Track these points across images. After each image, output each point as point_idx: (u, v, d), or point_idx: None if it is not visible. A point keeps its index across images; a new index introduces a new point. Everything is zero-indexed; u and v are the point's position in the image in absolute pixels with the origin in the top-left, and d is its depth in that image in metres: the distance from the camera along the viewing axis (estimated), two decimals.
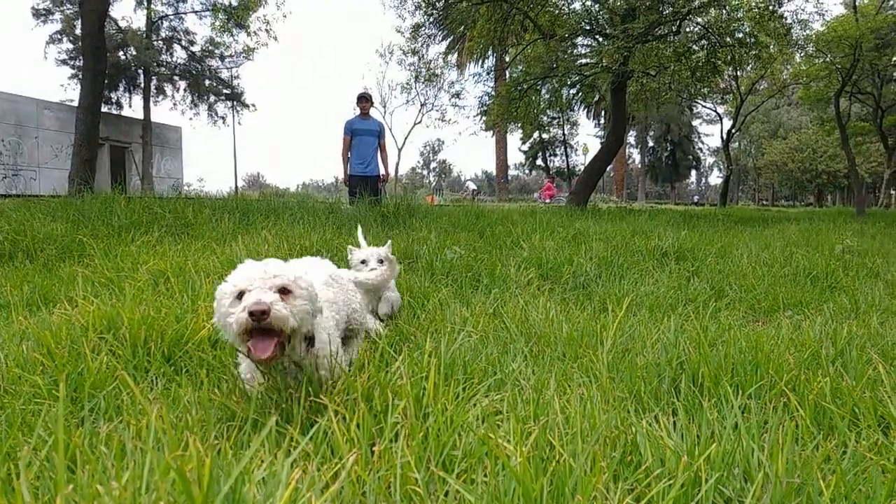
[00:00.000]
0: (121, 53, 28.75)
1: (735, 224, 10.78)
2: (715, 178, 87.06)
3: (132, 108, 30.43)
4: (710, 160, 77.53)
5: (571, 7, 15.37)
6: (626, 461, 1.53)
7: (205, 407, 1.87)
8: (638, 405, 2.06)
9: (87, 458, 1.53)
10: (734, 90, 26.93)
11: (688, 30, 15.01)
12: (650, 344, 2.68)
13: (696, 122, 58.64)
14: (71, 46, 28.27)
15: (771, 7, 13.41)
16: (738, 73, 24.61)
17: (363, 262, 3.17)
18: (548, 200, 28.97)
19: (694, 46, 14.83)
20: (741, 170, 61.39)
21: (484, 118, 19.33)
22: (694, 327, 2.85)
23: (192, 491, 1.09)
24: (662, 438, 1.61)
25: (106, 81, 18.59)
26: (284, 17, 42.01)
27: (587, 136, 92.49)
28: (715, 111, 34.46)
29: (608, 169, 26.27)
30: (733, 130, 29.64)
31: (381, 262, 3.14)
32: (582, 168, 27.24)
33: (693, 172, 71.97)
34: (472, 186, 38.53)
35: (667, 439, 1.61)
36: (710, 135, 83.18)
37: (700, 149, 63.47)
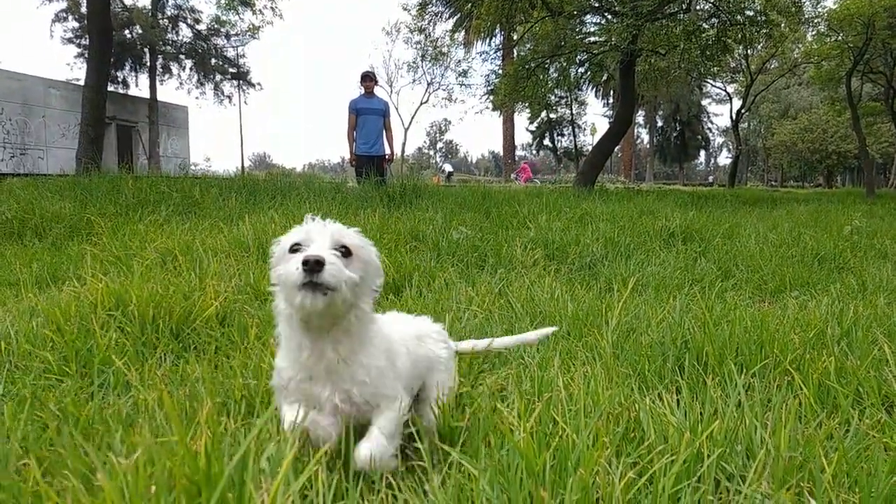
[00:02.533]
0: (126, 32, 28.64)
1: (743, 205, 10.73)
2: (724, 159, 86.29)
3: (138, 87, 30.47)
4: (720, 140, 76.82)
5: None
6: (629, 437, 1.55)
7: (210, 384, 1.89)
8: (642, 383, 2.07)
9: (93, 433, 1.56)
10: (744, 69, 26.62)
11: (698, 7, 14.80)
12: (655, 323, 2.68)
13: (705, 102, 58.02)
14: (76, 25, 28.17)
15: None
16: (749, 52, 24.29)
17: (295, 248, 1.36)
18: (524, 183, 28.52)
19: (704, 24, 14.63)
20: (750, 150, 60.88)
21: (491, 97, 19.17)
22: (699, 307, 2.85)
23: (199, 464, 1.11)
24: (665, 415, 1.63)
25: (112, 60, 18.53)
26: None
27: (595, 116, 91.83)
28: (724, 91, 34.08)
29: (616, 149, 26.12)
30: (743, 110, 29.31)
31: (342, 251, 1.35)
32: (590, 148, 27.07)
33: (702, 153, 71.42)
34: (448, 169, 38.22)
35: (670, 416, 1.63)
36: (720, 115, 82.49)
37: (709, 129, 62.85)
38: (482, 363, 2.21)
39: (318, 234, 1.35)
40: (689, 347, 2.30)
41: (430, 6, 16.81)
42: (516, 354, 2.29)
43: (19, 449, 1.43)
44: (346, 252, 1.35)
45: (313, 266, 1.25)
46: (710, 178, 58.97)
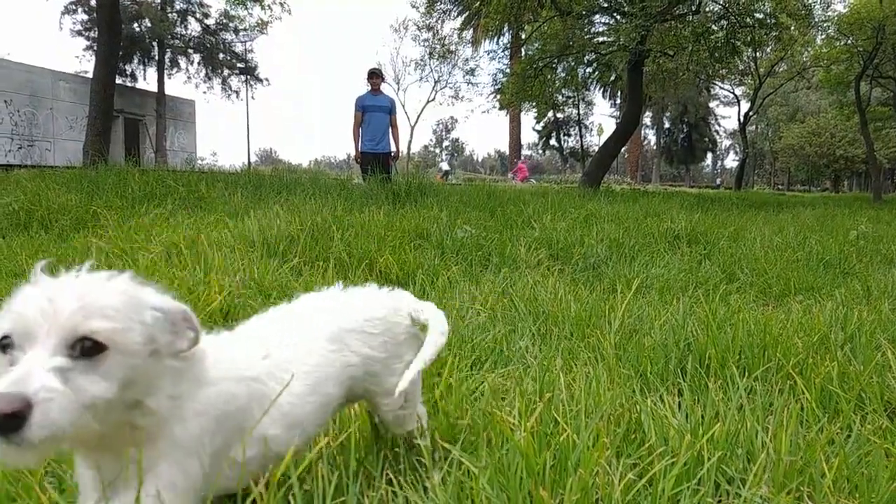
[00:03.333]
0: (135, 25, 28.71)
1: (749, 208, 10.70)
2: (731, 162, 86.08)
3: (146, 80, 30.51)
4: (727, 143, 76.56)
5: None
6: (630, 438, 1.55)
7: None
8: (643, 385, 2.07)
9: None
10: (753, 72, 26.54)
11: (707, 9, 14.76)
12: (658, 325, 2.68)
13: (713, 104, 57.84)
14: (86, 17, 28.26)
15: None
16: (758, 55, 24.23)
17: (3, 343, 0.84)
18: (521, 181, 28.45)
19: (713, 26, 14.59)
20: (757, 153, 60.69)
21: (498, 96, 19.16)
22: (703, 310, 2.85)
23: None
24: (667, 417, 1.63)
25: (120, 53, 18.58)
26: None
27: (602, 117, 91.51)
28: (733, 93, 34.02)
29: (623, 150, 26.08)
30: (751, 113, 29.25)
31: (88, 347, 0.83)
32: (596, 148, 27.04)
33: (709, 155, 71.19)
34: (445, 167, 38.10)
35: (671, 418, 1.63)
36: (728, 117, 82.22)
37: (716, 131, 62.63)
38: (484, 362, 2.21)
39: (40, 326, 0.81)
40: (692, 350, 2.30)
41: (438, 4, 16.82)
42: (518, 354, 2.30)
43: None
44: (94, 347, 0.83)
45: (4, 422, 0.73)
46: (718, 181, 58.90)
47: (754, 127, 54.80)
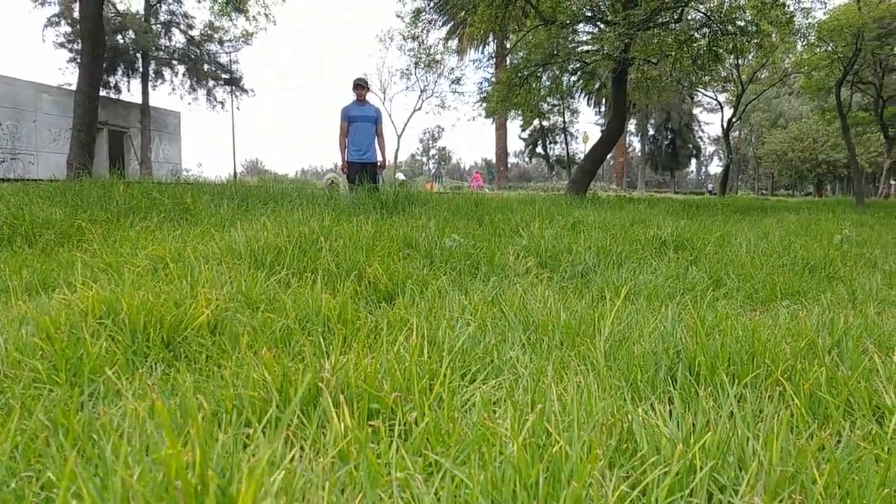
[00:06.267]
0: (119, 37, 28.60)
1: (734, 213, 10.78)
2: (715, 167, 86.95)
3: (131, 92, 30.39)
4: (711, 149, 77.36)
5: None
6: (622, 449, 1.55)
7: (203, 393, 1.88)
8: (634, 393, 2.07)
9: (84, 444, 1.54)
10: (735, 79, 26.85)
11: (689, 17, 14.93)
12: (647, 333, 2.68)
13: (696, 111, 58.50)
14: (69, 29, 28.12)
15: None
16: (740, 62, 24.53)
17: None
18: (474, 188, 29.55)
19: (695, 34, 14.75)
20: (741, 159, 61.34)
21: (484, 105, 19.27)
22: (691, 316, 2.86)
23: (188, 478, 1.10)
24: (658, 426, 1.63)
25: (104, 65, 18.47)
26: (284, 0, 41.70)
27: (587, 124, 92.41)
28: (716, 100, 34.33)
29: (608, 157, 26.25)
30: (734, 119, 29.59)
31: None
32: (582, 156, 27.20)
33: (693, 161, 71.82)
34: (401, 177, 38.40)
35: (662, 427, 1.62)
36: (711, 123, 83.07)
37: (700, 137, 63.26)
38: (474, 373, 2.21)
39: None
40: (682, 357, 2.31)
41: (423, 14, 16.90)
42: (509, 364, 2.29)
43: (12, 462, 1.42)
44: None
45: None
46: (710, 186, 58.74)
47: (738, 133, 55.43)
